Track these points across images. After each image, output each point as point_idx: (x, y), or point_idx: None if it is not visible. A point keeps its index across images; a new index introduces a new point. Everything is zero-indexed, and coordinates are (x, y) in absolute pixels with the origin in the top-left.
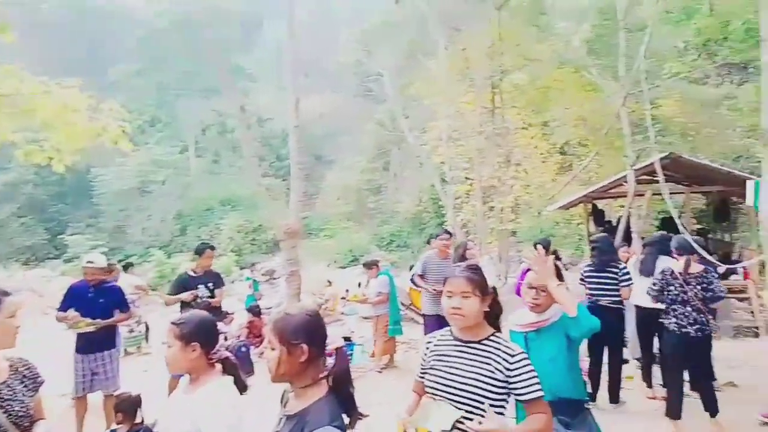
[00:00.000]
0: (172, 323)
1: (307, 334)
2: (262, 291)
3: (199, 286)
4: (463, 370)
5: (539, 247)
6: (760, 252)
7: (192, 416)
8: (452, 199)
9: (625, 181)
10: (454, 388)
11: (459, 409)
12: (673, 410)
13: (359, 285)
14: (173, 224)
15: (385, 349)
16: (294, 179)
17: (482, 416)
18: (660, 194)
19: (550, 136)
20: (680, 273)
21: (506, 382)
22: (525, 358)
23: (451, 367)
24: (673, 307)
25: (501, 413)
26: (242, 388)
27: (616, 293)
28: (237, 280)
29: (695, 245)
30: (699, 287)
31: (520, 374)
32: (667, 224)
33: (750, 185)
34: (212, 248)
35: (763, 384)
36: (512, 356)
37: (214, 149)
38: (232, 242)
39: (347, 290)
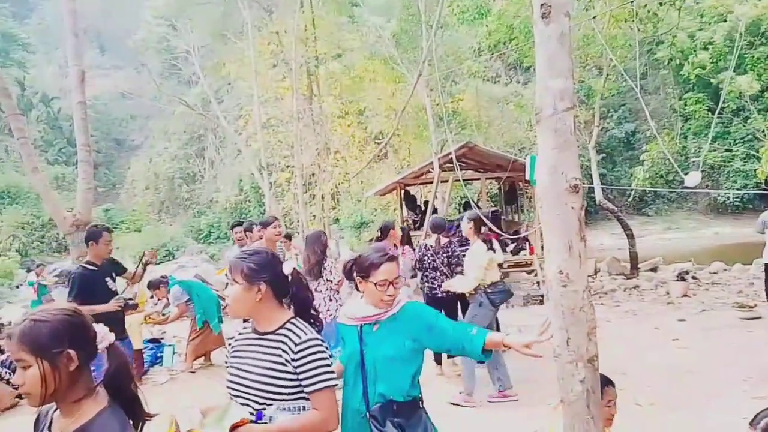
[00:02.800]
0: None
1: (72, 337)
2: (54, 296)
3: (106, 279)
4: (255, 365)
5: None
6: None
7: None
8: (272, 187)
9: (432, 168)
10: (247, 386)
11: (255, 408)
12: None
13: (154, 304)
14: None
15: (197, 348)
16: (81, 162)
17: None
18: (462, 180)
19: (366, 125)
20: (431, 246)
21: (296, 373)
22: (312, 346)
23: (245, 362)
24: (425, 273)
25: (300, 407)
26: None
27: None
28: (22, 284)
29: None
30: (445, 257)
31: (303, 363)
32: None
33: (528, 161)
34: (109, 231)
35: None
36: (297, 344)
37: None
38: (14, 240)
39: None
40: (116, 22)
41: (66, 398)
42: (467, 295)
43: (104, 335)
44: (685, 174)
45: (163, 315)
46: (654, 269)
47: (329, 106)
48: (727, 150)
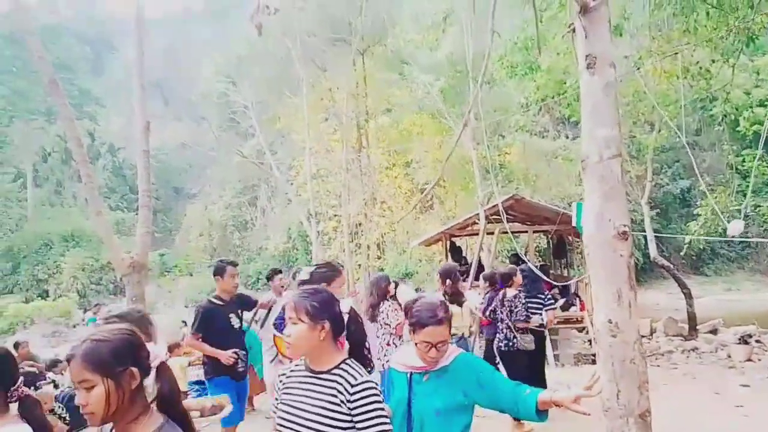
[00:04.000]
0: None
1: (133, 355)
2: None
3: (230, 315)
4: (309, 404)
5: None
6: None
7: None
8: (320, 236)
9: (478, 220)
10: (300, 423)
11: None
12: None
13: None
14: (2, 262)
15: None
16: (142, 208)
17: None
18: (508, 232)
19: (412, 176)
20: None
21: (350, 415)
22: (367, 388)
23: (298, 401)
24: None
25: None
26: None
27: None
28: (79, 324)
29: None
30: (508, 310)
31: (359, 405)
32: (515, 261)
33: (574, 207)
34: (234, 264)
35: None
36: (353, 385)
37: (56, 179)
38: (75, 282)
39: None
40: (180, 76)
41: (126, 416)
42: None
43: (157, 354)
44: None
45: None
46: (713, 331)
47: (377, 158)
48: None
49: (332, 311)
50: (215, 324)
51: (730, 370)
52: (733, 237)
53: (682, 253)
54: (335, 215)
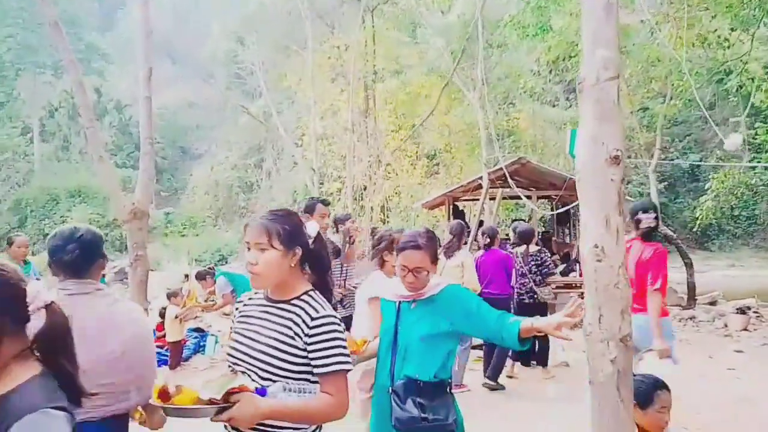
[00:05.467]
0: None
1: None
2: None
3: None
4: (262, 333)
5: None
6: None
7: None
8: (323, 197)
9: (482, 183)
10: (249, 354)
11: (256, 382)
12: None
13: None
14: (10, 215)
15: None
16: (143, 155)
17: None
18: (511, 198)
19: (419, 140)
20: (521, 254)
21: (306, 350)
22: (329, 323)
23: (251, 329)
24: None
25: (303, 389)
26: None
27: None
28: None
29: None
30: (534, 264)
31: (316, 341)
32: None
33: (568, 134)
34: (325, 203)
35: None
36: (313, 318)
37: (63, 134)
38: None
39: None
40: (188, 35)
41: None
42: None
43: (36, 294)
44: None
45: (211, 302)
46: (713, 303)
47: (383, 121)
48: None
49: (304, 237)
50: None
51: (725, 338)
52: (728, 152)
53: (688, 229)
54: (339, 177)
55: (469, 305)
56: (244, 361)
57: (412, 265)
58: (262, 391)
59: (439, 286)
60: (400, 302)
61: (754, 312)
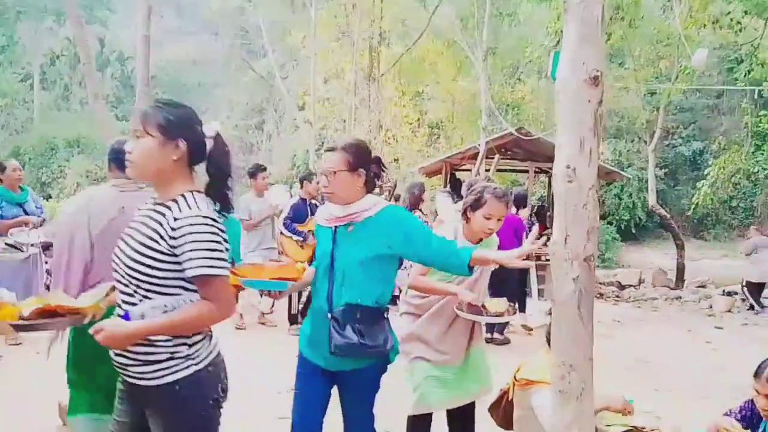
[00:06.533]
0: None
1: None
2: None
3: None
4: (134, 237)
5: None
6: None
7: None
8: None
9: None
10: (119, 258)
11: (123, 293)
12: None
13: None
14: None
15: None
16: (140, 94)
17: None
18: (510, 171)
19: (421, 108)
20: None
21: (173, 254)
22: (200, 223)
23: (128, 236)
24: None
25: (167, 293)
26: None
27: None
28: None
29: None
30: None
31: (180, 244)
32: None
33: (551, 57)
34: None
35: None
36: (176, 218)
37: (64, 83)
38: (78, 187)
39: None
40: None
41: None
42: None
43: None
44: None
45: None
46: (702, 286)
47: (387, 86)
48: None
49: (193, 131)
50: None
51: (709, 318)
52: (697, 67)
53: (684, 217)
54: None
55: (410, 227)
56: (116, 271)
57: (324, 167)
58: (125, 317)
59: (376, 207)
60: (336, 227)
61: (741, 297)
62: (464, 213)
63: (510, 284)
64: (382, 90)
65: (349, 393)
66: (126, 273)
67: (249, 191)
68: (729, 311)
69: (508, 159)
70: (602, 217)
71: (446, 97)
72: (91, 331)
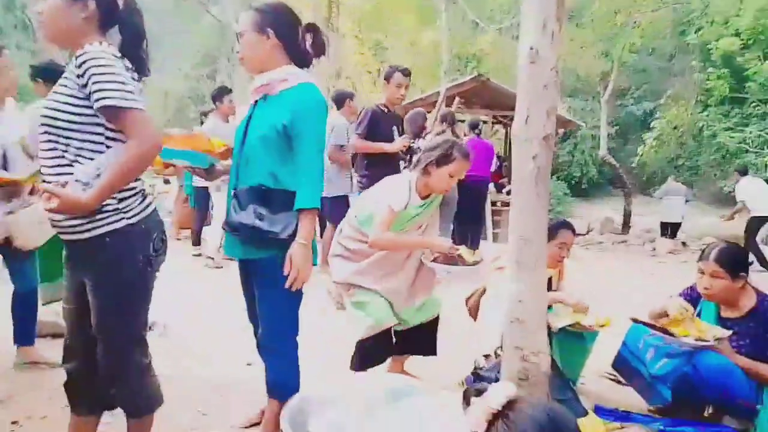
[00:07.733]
0: None
1: None
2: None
3: (393, 129)
4: (52, 98)
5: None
6: None
7: None
8: None
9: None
10: (45, 124)
11: (53, 159)
12: None
13: None
14: None
15: (181, 219)
16: None
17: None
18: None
19: (382, 58)
20: None
21: (85, 94)
22: (92, 58)
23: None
24: None
25: (93, 149)
26: None
27: None
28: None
29: None
30: None
31: (85, 83)
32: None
33: None
34: (406, 74)
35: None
36: (79, 56)
37: None
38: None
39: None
40: None
41: None
42: None
43: None
44: None
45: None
46: (647, 231)
47: (347, 33)
48: (741, 143)
49: None
50: (379, 129)
51: (652, 258)
52: None
53: (633, 174)
54: None
55: (309, 117)
56: (45, 133)
57: (238, 29)
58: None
59: (296, 79)
60: (256, 101)
61: (683, 243)
62: (425, 167)
63: (468, 221)
64: (342, 37)
65: (257, 287)
66: (50, 131)
67: (214, 115)
68: (671, 253)
69: (467, 108)
70: (554, 173)
71: (408, 48)
72: (42, 197)
